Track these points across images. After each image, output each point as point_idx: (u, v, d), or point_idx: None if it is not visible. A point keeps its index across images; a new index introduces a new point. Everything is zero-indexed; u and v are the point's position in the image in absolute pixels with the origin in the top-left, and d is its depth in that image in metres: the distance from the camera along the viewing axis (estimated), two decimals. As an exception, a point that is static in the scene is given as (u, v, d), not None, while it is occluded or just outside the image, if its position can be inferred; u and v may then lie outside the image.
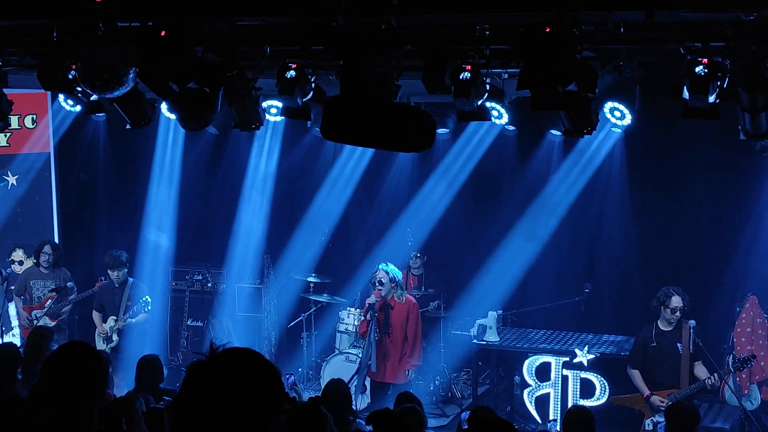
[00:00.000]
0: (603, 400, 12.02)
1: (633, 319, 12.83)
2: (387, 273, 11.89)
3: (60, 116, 14.78)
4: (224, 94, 9.65)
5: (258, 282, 15.14)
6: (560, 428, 9.35)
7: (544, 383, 12.42)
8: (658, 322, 11.30)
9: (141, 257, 14.85)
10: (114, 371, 11.98)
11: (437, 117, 9.07)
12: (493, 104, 9.86)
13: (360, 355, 12.80)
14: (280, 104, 10.72)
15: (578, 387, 12.19)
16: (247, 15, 8.69)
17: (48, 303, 13.34)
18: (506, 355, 13.55)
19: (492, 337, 12.83)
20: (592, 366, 12.15)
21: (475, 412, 7.73)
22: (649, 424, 11.17)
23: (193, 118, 9.78)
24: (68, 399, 4.47)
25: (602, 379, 12.10)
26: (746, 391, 11.88)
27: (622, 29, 8.24)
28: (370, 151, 14.60)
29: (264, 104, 11.05)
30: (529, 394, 12.53)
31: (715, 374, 11.04)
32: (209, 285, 15.02)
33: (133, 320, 13.22)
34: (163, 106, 11.32)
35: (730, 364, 11.33)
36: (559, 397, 12.28)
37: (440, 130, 11.33)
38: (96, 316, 13.39)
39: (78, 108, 11.28)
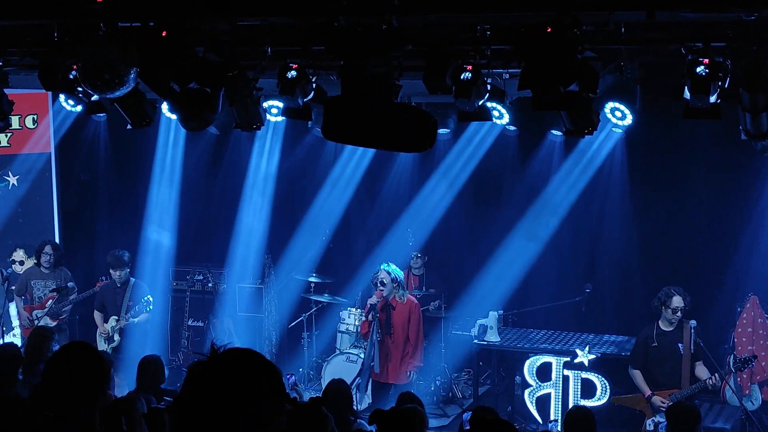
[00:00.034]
0: (604, 401, 12.02)
1: (634, 319, 12.83)
2: (388, 273, 11.88)
3: (61, 116, 14.77)
4: (225, 94, 9.65)
5: (259, 282, 15.13)
6: (561, 428, 9.35)
7: (545, 383, 12.42)
8: (659, 322, 11.30)
9: (142, 257, 14.84)
10: (115, 371, 11.99)
11: (438, 117, 9.08)
12: (494, 104, 9.85)
13: (361, 356, 12.80)
14: (281, 104, 10.72)
15: (579, 387, 12.19)
16: (248, 15, 8.69)
17: (49, 303, 13.34)
18: (507, 356, 13.54)
19: (493, 337, 12.83)
20: (593, 366, 12.15)
21: (477, 412, 7.73)
22: (650, 424, 11.17)
23: (194, 118, 9.78)
24: (70, 399, 4.47)
25: (603, 379, 12.09)
26: (747, 392, 11.88)
27: (623, 29, 8.24)
28: (370, 152, 14.59)
29: (265, 104, 11.05)
30: (530, 395, 12.53)
31: (716, 374, 11.04)
32: (210, 285, 15.01)
33: (135, 320, 13.22)
34: (164, 107, 11.32)
35: (731, 364, 11.32)
36: (560, 397, 12.27)
37: (441, 131, 11.34)
38: (97, 315, 13.39)
39: (79, 108, 11.29)
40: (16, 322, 13.97)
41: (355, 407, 9.83)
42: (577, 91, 8.35)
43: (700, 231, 13.70)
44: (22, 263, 14.63)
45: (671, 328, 11.25)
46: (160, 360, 9.51)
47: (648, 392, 11.26)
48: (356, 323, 13.58)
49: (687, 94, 8.39)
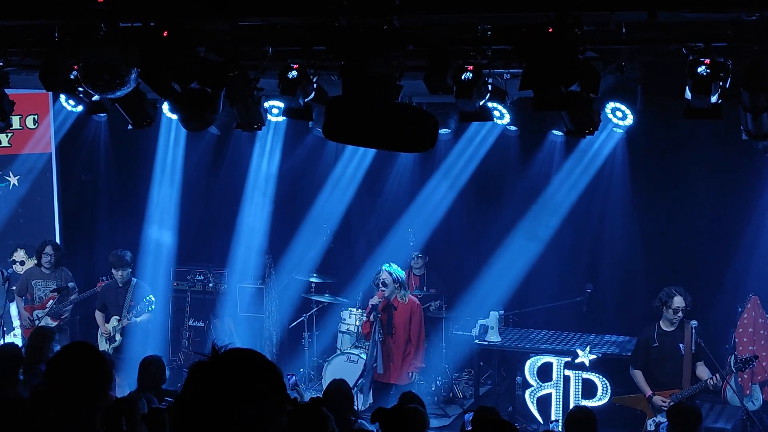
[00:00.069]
0: (605, 401, 12.02)
1: (635, 319, 12.82)
2: (390, 274, 11.88)
3: (61, 116, 14.77)
4: (226, 94, 9.65)
5: (260, 282, 15.12)
6: (562, 429, 9.34)
7: (546, 383, 12.41)
8: (660, 322, 11.30)
9: (142, 257, 14.83)
10: (116, 371, 11.98)
11: (439, 117, 9.08)
12: (495, 104, 9.85)
13: (362, 356, 12.80)
14: (281, 104, 10.72)
15: (580, 387, 12.18)
16: (249, 15, 8.68)
17: (49, 303, 13.35)
18: (508, 356, 13.54)
19: (494, 337, 12.83)
20: (594, 366, 12.15)
21: (479, 412, 7.72)
22: (651, 425, 11.18)
23: (195, 118, 9.78)
24: (71, 400, 4.46)
25: (604, 379, 12.09)
26: (748, 392, 11.88)
27: (623, 29, 8.24)
28: (371, 152, 14.59)
29: (266, 104, 11.05)
30: (530, 395, 12.53)
31: (717, 374, 11.04)
32: (211, 285, 15.01)
33: (138, 319, 13.23)
34: (165, 107, 11.32)
35: (732, 364, 11.32)
36: (561, 397, 12.27)
37: (442, 131, 11.35)
38: (99, 315, 13.39)
39: (79, 108, 11.29)
40: (16, 322, 13.98)
41: (356, 407, 9.83)
42: (578, 91, 8.35)
43: (700, 231, 13.71)
44: (22, 263, 14.64)
45: (672, 329, 11.25)
46: (161, 360, 9.50)
47: (649, 392, 11.27)
48: (357, 323, 13.58)
49: (688, 94, 8.39)
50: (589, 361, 12.12)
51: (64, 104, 11.91)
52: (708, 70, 8.17)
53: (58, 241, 14.68)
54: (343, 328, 13.95)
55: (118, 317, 13.23)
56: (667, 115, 10.70)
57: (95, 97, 10.12)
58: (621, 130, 11.06)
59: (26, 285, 13.59)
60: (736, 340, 12.23)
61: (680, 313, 11.14)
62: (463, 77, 8.73)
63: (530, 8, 7.93)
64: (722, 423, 11.72)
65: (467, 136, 14.16)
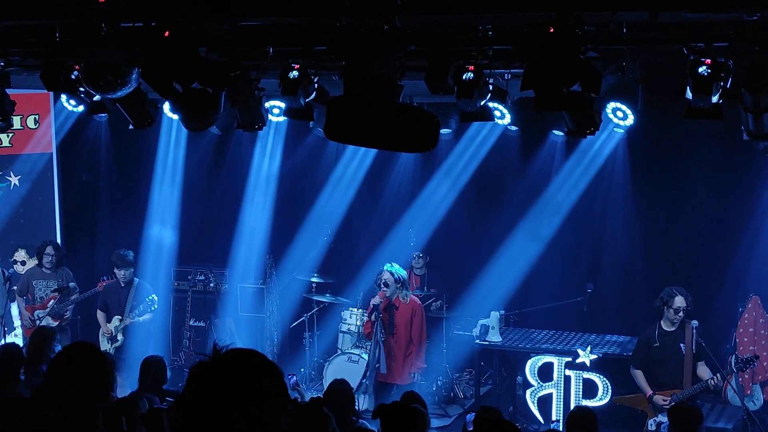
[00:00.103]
0: (605, 401, 12.02)
1: (636, 319, 12.83)
2: (392, 274, 11.87)
3: (62, 117, 14.77)
4: (227, 94, 9.66)
5: (261, 282, 15.12)
6: (563, 429, 9.34)
7: (547, 383, 12.41)
8: (661, 322, 11.31)
9: (143, 257, 14.82)
10: (117, 371, 11.98)
11: (440, 117, 9.08)
12: (496, 104, 9.85)
13: (363, 356, 12.80)
14: (282, 105, 10.72)
15: (581, 387, 12.18)
16: (250, 15, 8.68)
17: (50, 303, 13.35)
18: (509, 356, 13.54)
19: (494, 337, 12.83)
20: (595, 366, 12.14)
21: (481, 412, 7.72)
22: (652, 424, 11.18)
23: (197, 118, 9.78)
24: (73, 400, 4.47)
25: (605, 379, 12.09)
26: (749, 392, 11.88)
27: (624, 30, 8.24)
28: (372, 152, 14.59)
29: (267, 104, 11.05)
30: (531, 395, 12.52)
31: (718, 374, 11.04)
32: (212, 285, 15.01)
33: (140, 318, 13.25)
34: (166, 107, 11.32)
35: (733, 364, 11.32)
36: (562, 397, 12.27)
37: (443, 131, 11.33)
38: (100, 315, 13.40)
39: (81, 108, 11.29)
40: (17, 322, 13.98)
41: (357, 407, 9.83)
42: (580, 91, 8.34)
43: (701, 231, 13.71)
44: (23, 263, 14.64)
45: (673, 329, 11.25)
46: (163, 360, 9.49)
47: (650, 392, 11.27)
48: (358, 323, 13.58)
49: (689, 95, 8.39)
50: (590, 361, 12.12)
51: (65, 104, 11.89)
52: (709, 70, 8.17)
53: (59, 241, 14.68)
54: (344, 328, 13.94)
55: (120, 317, 13.24)
56: (667, 115, 10.69)
57: (96, 97, 10.12)
58: (622, 130, 11.06)
59: (27, 285, 13.59)
60: (737, 340, 12.23)
61: (681, 313, 11.14)
62: (464, 77, 8.74)
63: (531, 8, 7.94)
64: (723, 423, 11.73)
65: (468, 136, 14.16)
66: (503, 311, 13.34)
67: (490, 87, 9.09)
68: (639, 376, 11.43)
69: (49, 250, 13.55)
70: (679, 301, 11.10)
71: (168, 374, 9.56)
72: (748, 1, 7.57)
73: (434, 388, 13.82)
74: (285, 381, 3.20)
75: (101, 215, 16.10)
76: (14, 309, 13.99)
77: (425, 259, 14.69)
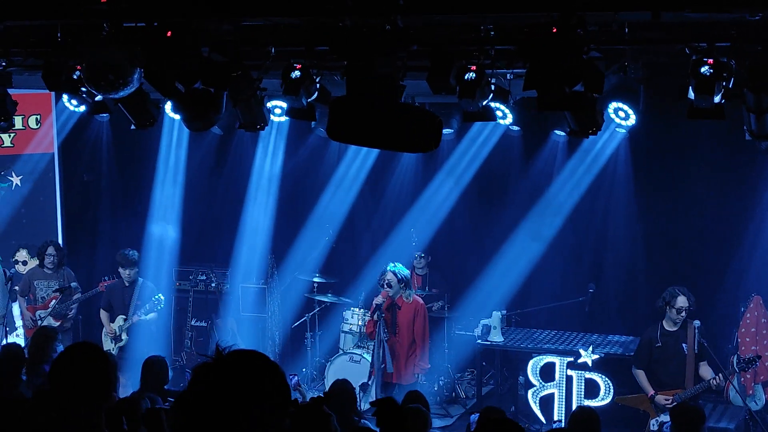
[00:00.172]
0: (607, 401, 12.02)
1: (639, 319, 12.83)
2: (395, 274, 11.85)
3: (64, 116, 14.77)
4: (229, 94, 9.65)
5: (262, 282, 15.12)
6: (566, 428, 9.34)
7: (549, 383, 12.41)
8: (663, 322, 11.31)
9: (145, 258, 14.79)
10: (120, 371, 12.00)
11: (442, 117, 9.06)
12: (498, 104, 9.84)
13: (364, 356, 12.81)
14: (284, 104, 10.72)
15: (582, 387, 12.18)
16: (252, 15, 8.68)
17: (52, 303, 13.34)
18: (510, 356, 13.54)
19: (496, 337, 12.82)
20: (597, 366, 12.14)
21: (485, 413, 7.71)
22: (654, 424, 11.17)
23: (199, 118, 9.78)
24: (75, 400, 4.47)
25: (606, 379, 12.09)
26: (751, 392, 11.87)
27: (626, 29, 8.23)
28: (374, 152, 14.59)
29: (269, 104, 11.04)
30: (533, 395, 12.52)
31: (720, 374, 11.04)
32: (213, 285, 15.01)
33: (146, 317, 13.26)
34: (168, 106, 11.32)
35: (735, 364, 11.33)
36: (564, 397, 12.27)
37: (445, 131, 11.32)
38: (104, 315, 13.40)
39: (82, 108, 11.29)
40: (19, 323, 13.98)
41: (359, 407, 9.83)
42: (583, 91, 8.33)
43: (703, 231, 13.70)
44: (25, 263, 14.64)
45: (675, 328, 11.25)
46: (164, 360, 9.48)
47: (652, 392, 11.27)
48: (359, 323, 13.58)
49: (691, 94, 8.39)
50: (592, 361, 12.11)
51: (67, 104, 11.89)
52: (711, 70, 8.17)
53: (60, 241, 14.68)
54: (346, 328, 13.94)
55: (124, 316, 13.24)
56: (669, 115, 10.70)
57: (98, 97, 10.10)
58: (624, 130, 11.06)
59: (29, 285, 13.59)
60: (739, 340, 12.23)
61: (683, 313, 11.14)
62: (466, 77, 8.73)
63: (533, 8, 7.94)
64: (725, 423, 11.71)
65: (470, 136, 14.15)
66: (505, 311, 13.34)
67: (492, 87, 9.09)
68: (641, 376, 11.42)
69: (51, 250, 13.54)
70: (682, 301, 11.10)
71: (170, 374, 9.55)
72: (751, 1, 7.57)
73: (436, 388, 13.81)
74: (287, 382, 3.20)
75: (103, 215, 16.10)
76: (16, 309, 13.99)
77: (427, 259, 14.70)
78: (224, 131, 12.98)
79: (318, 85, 9.60)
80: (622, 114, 10.06)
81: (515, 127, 11.64)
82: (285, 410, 3.13)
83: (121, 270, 13.37)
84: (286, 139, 15.09)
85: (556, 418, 11.99)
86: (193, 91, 9.31)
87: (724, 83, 8.28)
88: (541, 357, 12.51)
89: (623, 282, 14.11)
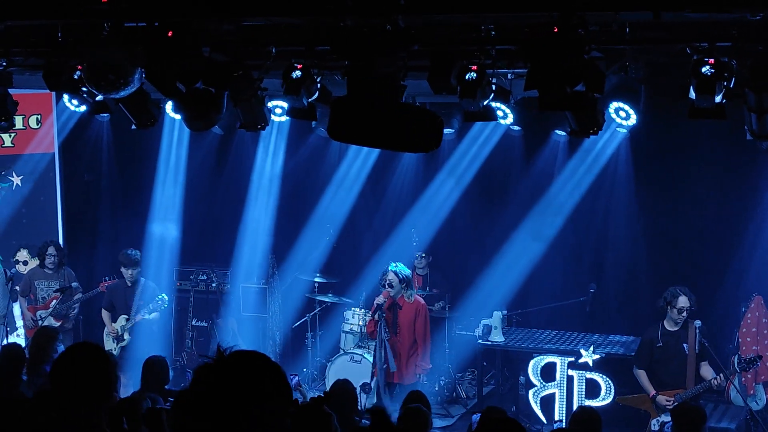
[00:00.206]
0: (608, 401, 12.02)
1: (639, 319, 12.82)
2: (397, 274, 11.85)
3: (64, 116, 14.77)
4: (230, 94, 9.65)
5: (263, 282, 15.12)
6: (567, 428, 9.33)
7: (549, 383, 12.41)
8: (665, 322, 11.31)
9: (145, 257, 14.78)
10: (122, 371, 12.01)
11: (442, 117, 9.07)
12: (499, 104, 9.84)
13: (365, 355, 12.80)
14: (285, 104, 10.72)
15: (583, 387, 12.18)
16: (253, 15, 8.68)
17: (53, 303, 13.34)
18: (511, 355, 13.55)
19: (497, 337, 12.82)
20: (598, 366, 12.13)
21: (487, 412, 7.71)
22: (655, 424, 11.17)
23: (200, 118, 9.78)
24: (76, 400, 4.47)
25: (607, 379, 12.09)
26: (752, 392, 11.88)
27: (627, 29, 8.23)
28: (375, 151, 14.59)
29: (269, 104, 11.04)
30: (534, 395, 12.52)
31: (721, 374, 11.04)
32: (214, 285, 15.01)
33: (149, 316, 13.27)
34: (168, 106, 11.32)
35: (736, 364, 11.32)
36: (565, 397, 12.26)
37: (445, 130, 11.32)
38: (105, 315, 13.40)
39: (83, 108, 11.29)
40: (20, 323, 13.99)
41: (360, 407, 9.82)
42: (584, 91, 8.33)
43: (704, 230, 13.69)
44: (25, 263, 14.65)
45: (676, 328, 11.25)
46: (165, 360, 9.47)
47: (653, 392, 11.27)
48: (360, 323, 13.57)
49: (692, 94, 8.38)
50: (593, 360, 12.11)
51: (68, 104, 11.89)
52: (712, 70, 8.17)
53: (60, 241, 14.68)
54: (347, 328, 13.93)
55: (126, 316, 13.24)
56: (670, 115, 10.70)
57: (99, 97, 10.11)
58: (624, 130, 11.07)
59: (29, 285, 13.59)
60: (740, 340, 12.23)
61: (685, 313, 11.14)
62: (467, 77, 8.73)
63: (534, 8, 7.93)
64: (726, 423, 11.71)
65: (471, 136, 14.15)
66: (506, 311, 13.35)
67: (493, 87, 9.10)
68: (642, 376, 11.42)
69: (51, 250, 13.55)
70: (683, 301, 11.10)
71: (170, 374, 9.55)
72: (751, 0, 7.56)
73: (437, 388, 13.81)
74: (289, 383, 3.21)
75: (103, 215, 16.09)
76: (16, 309, 14.00)
77: (428, 259, 14.69)
78: (225, 131, 12.98)
79: (319, 85, 9.60)
80: (622, 114, 10.07)
81: (516, 127, 11.64)
82: (286, 410, 3.14)
83: (123, 270, 13.37)
84: (287, 139, 15.09)
85: (556, 418, 11.99)
86: (194, 90, 9.32)
87: (725, 83, 8.29)
88: (541, 357, 12.51)
89: (624, 282, 14.11)
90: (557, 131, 12.15)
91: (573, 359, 12.25)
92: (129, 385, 11.54)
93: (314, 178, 15.46)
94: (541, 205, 14.23)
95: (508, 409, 12.46)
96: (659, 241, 14.08)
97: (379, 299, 11.93)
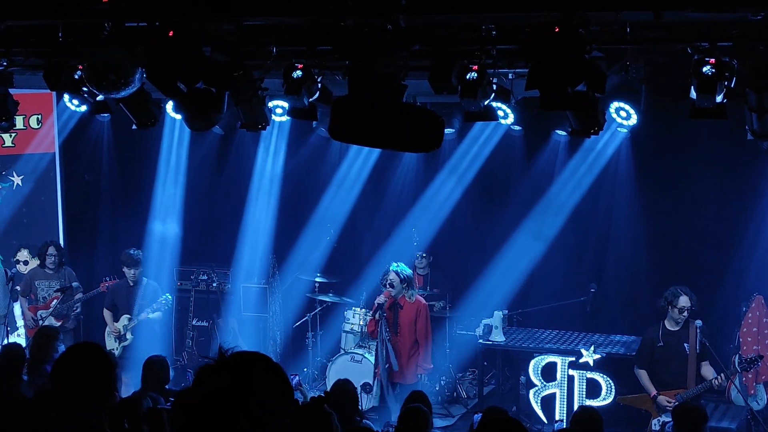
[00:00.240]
0: (609, 400, 12.01)
1: (641, 319, 12.81)
2: (398, 274, 11.85)
3: (65, 116, 14.77)
4: (230, 94, 9.65)
5: (264, 282, 15.12)
6: (567, 428, 9.32)
7: (550, 383, 12.40)
8: (665, 321, 11.31)
9: (146, 257, 14.78)
10: (123, 371, 12.01)
11: (443, 117, 9.06)
12: (499, 104, 9.84)
13: (365, 355, 12.81)
14: (285, 104, 10.72)
15: (584, 387, 12.17)
16: (253, 15, 8.68)
17: (53, 303, 13.35)
18: (512, 355, 13.54)
19: (497, 336, 12.82)
20: (598, 366, 12.13)
21: (488, 412, 7.71)
22: (656, 424, 11.17)
23: (200, 118, 9.78)
24: (77, 400, 4.47)
25: (608, 379, 12.08)
26: (752, 391, 11.87)
27: (628, 29, 8.23)
28: (376, 151, 14.60)
29: (270, 104, 11.04)
30: (534, 394, 12.51)
31: (722, 374, 11.03)
32: (215, 285, 15.00)
33: (152, 315, 13.28)
34: (169, 106, 11.31)
35: (737, 364, 11.32)
36: (565, 397, 12.26)
37: (446, 130, 11.32)
38: (107, 314, 13.41)
39: (83, 108, 11.28)
40: (20, 322, 14.00)
41: (361, 407, 9.82)
42: (585, 91, 8.33)
43: (705, 230, 13.69)
44: (26, 263, 14.65)
45: (677, 328, 11.26)
46: (165, 360, 9.47)
47: (654, 392, 11.27)
48: (361, 323, 13.57)
49: (693, 94, 8.38)
50: (594, 360, 12.10)
51: (68, 104, 11.89)
52: (713, 70, 8.17)
53: (61, 241, 14.69)
54: (347, 327, 13.93)
55: (129, 316, 13.25)
56: (671, 114, 10.70)
57: (99, 97, 10.11)
58: (625, 130, 11.07)
59: (30, 285, 13.60)
60: (741, 339, 12.23)
61: (686, 313, 11.14)
62: (467, 77, 8.73)
63: (535, 8, 7.93)
64: (727, 422, 11.70)
65: (471, 136, 14.16)
66: (506, 311, 13.35)
67: (494, 87, 9.09)
68: (643, 375, 11.42)
69: (51, 250, 13.56)
70: (684, 301, 11.10)
71: (171, 374, 9.55)
72: (752, 0, 7.56)
73: (437, 388, 13.82)
74: (290, 384, 3.21)
75: (103, 215, 16.09)
76: (17, 309, 14.01)
77: (428, 259, 14.68)
78: (225, 131, 12.98)
79: (319, 85, 9.60)
80: (623, 114, 10.07)
81: (517, 127, 11.63)
82: (287, 411, 3.14)
83: (125, 270, 13.38)
84: (288, 138, 15.08)
85: (557, 417, 11.97)
86: (195, 90, 9.31)
87: (725, 83, 8.28)
88: (542, 357, 12.50)
89: (625, 281, 14.10)
90: (558, 131, 12.15)
91: (574, 359, 12.24)
92: (130, 384, 11.54)
93: (315, 178, 15.46)
94: (542, 204, 14.24)
95: (508, 408, 12.45)
96: (659, 240, 14.07)
97: (380, 299, 11.93)
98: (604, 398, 12.05)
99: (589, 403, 11.80)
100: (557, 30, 7.70)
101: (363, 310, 13.73)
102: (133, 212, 15.60)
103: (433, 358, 12.65)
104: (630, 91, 9.73)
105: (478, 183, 14.69)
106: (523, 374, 13.11)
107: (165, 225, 15.31)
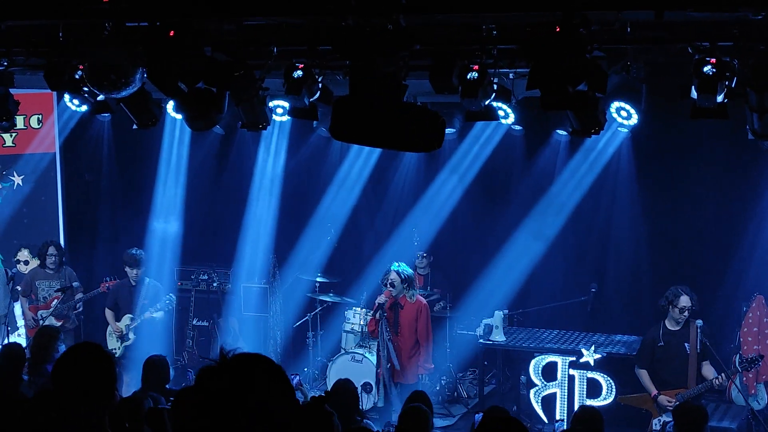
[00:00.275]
0: (609, 400, 12.01)
1: (642, 318, 12.81)
2: (399, 274, 11.84)
3: (65, 116, 14.76)
4: (231, 94, 9.65)
5: (264, 282, 15.11)
6: (568, 428, 9.32)
7: (551, 383, 12.40)
8: (666, 321, 11.31)
9: (146, 257, 14.78)
10: (125, 371, 12.01)
11: (444, 117, 9.06)
12: (500, 104, 9.84)
13: (366, 355, 12.81)
14: (286, 104, 10.72)
15: (585, 387, 12.17)
16: (254, 15, 8.68)
17: (54, 303, 13.35)
18: (512, 355, 13.54)
19: (498, 336, 12.82)
20: (599, 366, 12.13)
21: (489, 412, 7.70)
22: (656, 424, 11.17)
23: (201, 118, 9.77)
24: (78, 400, 4.47)
25: (609, 378, 12.08)
26: (753, 391, 11.88)
27: (629, 29, 8.23)
28: (377, 151, 14.60)
29: (271, 104, 11.04)
30: (535, 394, 12.51)
31: (723, 374, 11.03)
32: (215, 285, 15.00)
33: (155, 315, 13.28)
34: (169, 106, 11.31)
35: (737, 363, 11.32)
36: (566, 396, 12.26)
37: (447, 130, 11.33)
38: (109, 314, 13.41)
39: (84, 108, 11.28)
40: (21, 322, 14.00)
41: (361, 407, 9.82)
42: (586, 90, 8.33)
43: (705, 230, 13.69)
44: (26, 263, 14.64)
45: (678, 328, 11.26)
46: (165, 360, 9.47)
47: (654, 392, 11.27)
48: (361, 323, 13.57)
49: (694, 94, 8.38)
50: (594, 360, 12.10)
51: (69, 104, 11.89)
52: (714, 70, 8.18)
53: (61, 241, 14.69)
54: (348, 327, 13.93)
55: (131, 315, 13.26)
56: (671, 114, 10.70)
57: (100, 97, 10.11)
58: (626, 130, 11.06)
59: (30, 285, 13.60)
60: (741, 339, 12.24)
61: (686, 313, 11.14)
62: (468, 77, 8.74)
63: (536, 8, 7.93)
64: (727, 422, 11.70)
65: (472, 136, 14.16)
66: (507, 311, 13.35)
67: (495, 86, 9.09)
68: (644, 375, 11.42)
69: (51, 250, 13.56)
70: (685, 301, 11.10)
71: (171, 374, 9.55)
72: (752, 0, 7.56)
73: (438, 388, 13.81)
74: (292, 386, 3.21)
75: (104, 215, 16.09)
76: (17, 309, 14.01)
77: (429, 258, 14.68)
78: (226, 131, 12.98)
79: (320, 85, 9.60)
80: (624, 113, 10.07)
81: (517, 127, 11.63)
82: (288, 413, 3.14)
83: (128, 269, 13.40)
84: (289, 138, 15.07)
85: (558, 417, 11.97)
86: (196, 90, 9.31)
87: (726, 83, 8.28)
88: (543, 356, 12.50)
89: (625, 281, 14.10)
90: (558, 131, 12.15)
91: (574, 359, 12.24)
92: (132, 384, 11.54)
93: (316, 177, 15.46)
94: (543, 204, 14.23)
95: (509, 408, 12.43)
96: (660, 240, 14.07)
97: (381, 298, 11.92)
98: (605, 398, 12.05)
99: (589, 402, 11.79)
100: (558, 30, 7.70)
101: (363, 309, 13.73)
102: (134, 212, 15.60)
103: (434, 358, 12.65)
104: (631, 90, 9.73)
105: (479, 183, 14.69)
106: (523, 374, 13.11)
107: (165, 225, 15.30)
